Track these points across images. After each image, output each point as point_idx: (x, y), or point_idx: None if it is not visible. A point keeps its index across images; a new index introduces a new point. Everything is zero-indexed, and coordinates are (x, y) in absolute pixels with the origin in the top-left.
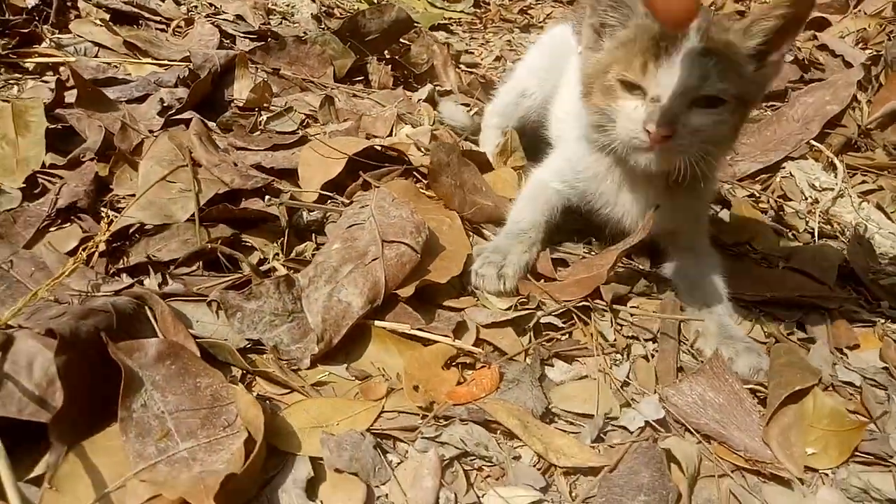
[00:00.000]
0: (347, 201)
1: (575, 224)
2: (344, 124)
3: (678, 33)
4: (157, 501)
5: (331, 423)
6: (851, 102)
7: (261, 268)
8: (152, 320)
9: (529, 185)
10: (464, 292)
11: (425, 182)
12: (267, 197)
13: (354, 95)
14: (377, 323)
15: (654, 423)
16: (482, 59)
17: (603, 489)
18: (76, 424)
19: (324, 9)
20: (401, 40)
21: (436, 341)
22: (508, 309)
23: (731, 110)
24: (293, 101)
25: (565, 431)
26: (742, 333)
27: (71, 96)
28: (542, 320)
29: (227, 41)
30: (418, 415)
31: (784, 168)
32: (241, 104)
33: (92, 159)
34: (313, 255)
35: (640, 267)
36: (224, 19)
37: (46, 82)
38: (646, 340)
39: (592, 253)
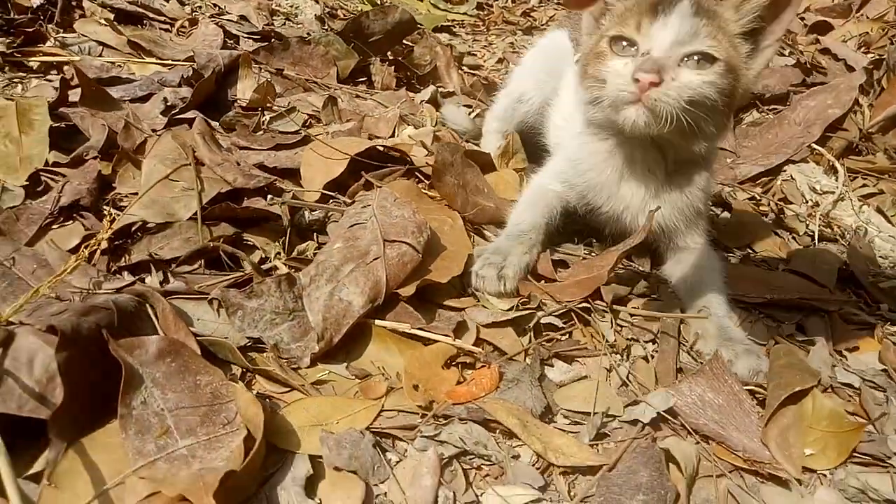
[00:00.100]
0: (349, 201)
1: (575, 225)
2: (346, 125)
3: None
4: (157, 498)
5: (330, 421)
6: (853, 106)
7: (262, 266)
8: (153, 318)
9: (529, 190)
10: (464, 292)
11: (427, 182)
12: (269, 196)
13: (357, 96)
14: (378, 322)
15: (662, 415)
16: (485, 61)
17: (601, 488)
18: (76, 421)
19: (327, 10)
20: (404, 42)
21: (436, 341)
22: (509, 309)
23: (720, 74)
24: (296, 102)
25: (564, 431)
26: (742, 335)
27: (75, 95)
28: (542, 321)
29: (231, 41)
30: (418, 414)
31: (785, 171)
32: (244, 104)
33: (95, 158)
34: (315, 255)
35: (641, 268)
36: (228, 20)
37: (50, 81)
38: (646, 341)
39: (593, 254)
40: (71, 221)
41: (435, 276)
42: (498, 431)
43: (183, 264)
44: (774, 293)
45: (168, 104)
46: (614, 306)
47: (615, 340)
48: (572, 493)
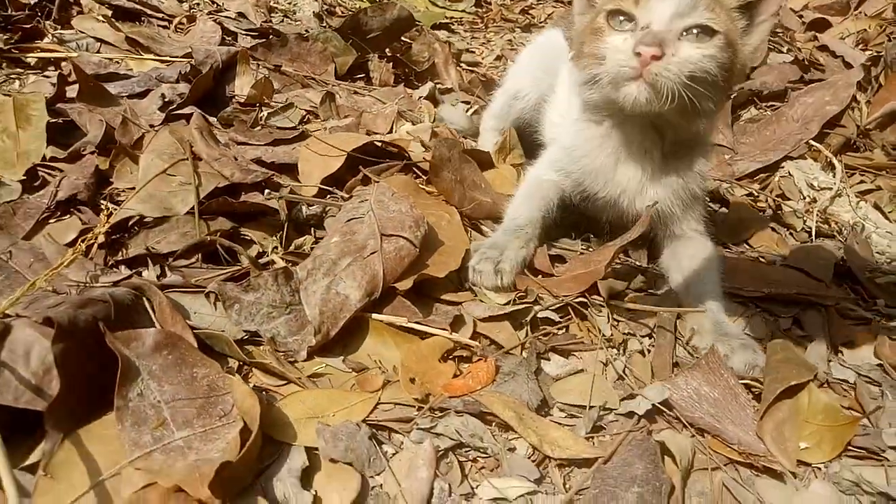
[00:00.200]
0: (347, 196)
1: (573, 219)
2: (344, 121)
3: None
4: (152, 490)
5: (327, 413)
6: (851, 103)
7: (259, 261)
8: (150, 311)
9: (525, 183)
10: (462, 287)
11: (425, 178)
12: (267, 191)
13: (355, 92)
14: (375, 316)
15: (657, 406)
16: (483, 58)
17: (597, 481)
18: (72, 413)
19: (325, 7)
20: (402, 38)
21: (433, 334)
22: (506, 304)
23: (720, 47)
24: (294, 98)
25: (560, 424)
26: (738, 330)
27: (72, 91)
28: (538, 315)
29: (229, 38)
30: (414, 406)
31: (783, 168)
32: (242, 100)
33: (92, 153)
34: (312, 249)
35: (638, 263)
36: (226, 16)
37: (48, 77)
38: (642, 336)
39: (590, 249)
40: (68, 216)
41: (432, 270)
42: (494, 424)
43: (180, 258)
44: (772, 287)
45: (166, 100)
46: (611, 301)
47: (612, 335)
48: (567, 486)
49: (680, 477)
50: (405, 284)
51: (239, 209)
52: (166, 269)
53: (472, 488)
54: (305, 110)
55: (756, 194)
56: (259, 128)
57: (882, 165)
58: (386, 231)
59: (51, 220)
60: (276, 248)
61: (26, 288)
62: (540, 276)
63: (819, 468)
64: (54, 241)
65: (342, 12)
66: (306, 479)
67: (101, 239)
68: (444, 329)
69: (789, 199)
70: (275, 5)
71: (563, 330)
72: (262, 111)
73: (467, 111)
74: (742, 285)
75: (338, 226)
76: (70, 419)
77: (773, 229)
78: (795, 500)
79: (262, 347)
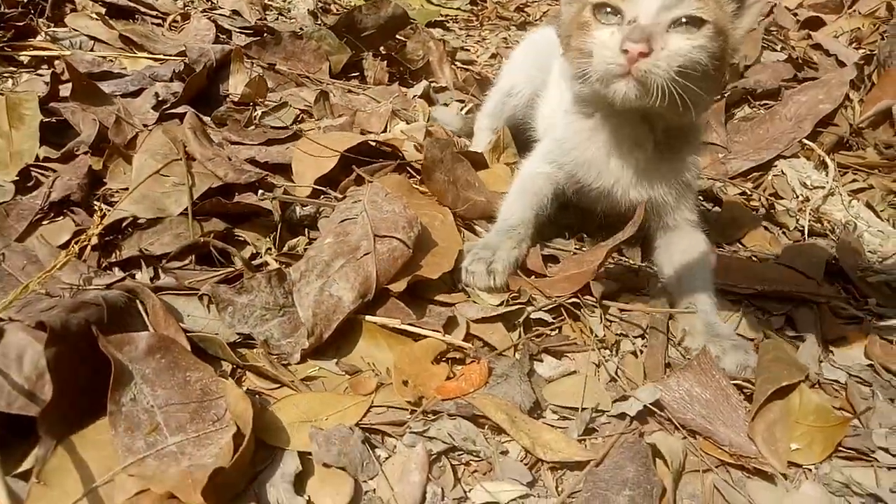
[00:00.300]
0: (340, 196)
1: (567, 219)
2: (339, 120)
3: None
4: (146, 496)
5: (320, 417)
6: (844, 101)
7: (253, 262)
8: (143, 314)
9: (518, 179)
10: (455, 288)
11: (419, 177)
12: (260, 191)
13: (350, 91)
14: (368, 318)
15: (649, 407)
16: (478, 56)
17: (589, 483)
18: (65, 418)
19: (320, 5)
20: (397, 36)
21: (426, 336)
22: (499, 304)
23: (709, 37)
24: (288, 97)
25: (553, 426)
26: (729, 331)
27: (66, 90)
28: (531, 316)
29: (223, 36)
30: (407, 410)
31: (776, 166)
32: (236, 99)
33: (86, 153)
34: (305, 250)
35: (631, 262)
36: (220, 14)
37: (41, 75)
38: (635, 337)
39: (583, 249)
40: (61, 217)
41: (425, 271)
42: (487, 427)
43: (173, 260)
44: (765, 284)
45: (159, 99)
46: (604, 301)
47: (604, 335)
48: (560, 489)
49: (671, 479)
50: (399, 286)
51: (232, 210)
52: (160, 270)
53: (465, 492)
54: (300, 109)
55: (749, 193)
56: (253, 127)
57: (874, 164)
58: (379, 232)
59: (44, 222)
60: (269, 249)
61: (19, 291)
62: (533, 277)
63: (810, 469)
64: (47, 242)
65: (337, 10)
66: (299, 484)
67: (95, 241)
68: (437, 331)
69: (782, 198)
70: (269, 3)
71: (556, 331)
72: (256, 110)
73: (462, 109)
74: (735, 282)
75: (331, 226)
76: (63, 424)
77: (766, 228)
78: (786, 501)
79: (255, 350)
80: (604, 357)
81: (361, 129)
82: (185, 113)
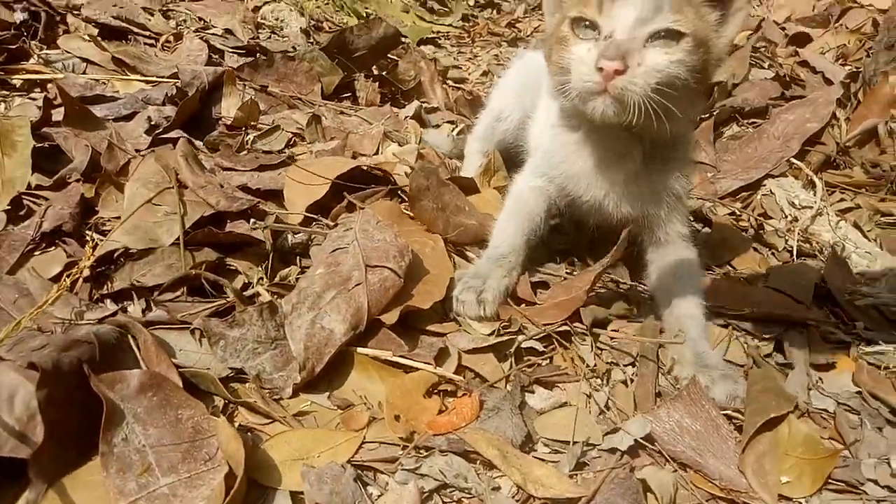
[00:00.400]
0: (332, 223)
1: (559, 243)
2: (331, 143)
3: None
4: None
5: (312, 454)
6: (831, 120)
7: (245, 293)
8: (135, 349)
9: (509, 200)
10: (447, 317)
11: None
12: (252, 220)
13: (342, 113)
14: (360, 350)
15: (640, 442)
16: (470, 74)
17: None
18: (57, 460)
19: (313, 23)
20: (388, 56)
21: (418, 368)
22: (490, 334)
23: (688, 51)
24: (280, 119)
25: (545, 460)
26: (718, 359)
27: (58, 114)
28: (522, 345)
29: (216, 56)
30: (399, 445)
31: (765, 185)
32: (228, 122)
33: (78, 180)
34: (297, 280)
35: (621, 282)
36: (213, 34)
37: (34, 100)
38: (625, 365)
39: (574, 274)
40: (53, 248)
41: (417, 301)
42: (478, 462)
43: (165, 291)
44: (754, 307)
45: (152, 123)
46: (594, 329)
47: (595, 364)
48: None
49: None
50: (390, 317)
51: (224, 239)
52: (151, 303)
53: None
54: (292, 132)
55: (738, 213)
56: (245, 152)
57: (861, 183)
58: (370, 262)
59: (35, 253)
60: (261, 279)
61: (10, 329)
62: (523, 305)
63: (800, 503)
64: (39, 275)
65: (329, 27)
66: None
67: (87, 273)
68: (428, 363)
69: (771, 218)
70: (262, 21)
71: (548, 360)
72: (248, 134)
73: (453, 131)
74: (724, 305)
75: (322, 256)
76: (54, 467)
77: (755, 249)
78: None
79: (247, 385)
80: (594, 387)
81: (353, 152)
82: (178, 138)
